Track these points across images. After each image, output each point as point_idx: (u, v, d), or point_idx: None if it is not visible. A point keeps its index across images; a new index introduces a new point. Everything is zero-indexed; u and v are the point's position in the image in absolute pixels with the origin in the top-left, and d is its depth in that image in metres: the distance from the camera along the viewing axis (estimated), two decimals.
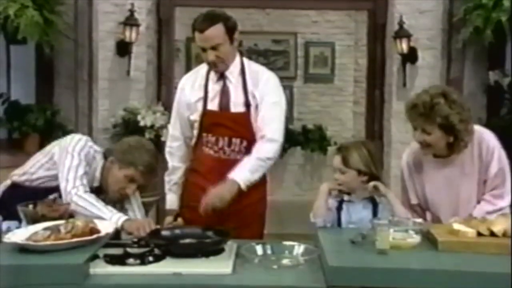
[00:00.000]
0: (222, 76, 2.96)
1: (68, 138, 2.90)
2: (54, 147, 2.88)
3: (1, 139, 5.40)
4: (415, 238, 2.36)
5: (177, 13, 5.89)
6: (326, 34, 8.08)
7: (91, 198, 2.71)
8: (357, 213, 2.69)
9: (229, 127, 2.93)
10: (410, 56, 5.41)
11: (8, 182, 2.93)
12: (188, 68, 6.69)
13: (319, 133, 7.94)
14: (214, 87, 2.96)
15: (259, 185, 3.02)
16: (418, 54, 5.41)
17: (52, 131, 5.25)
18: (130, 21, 5.24)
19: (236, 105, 2.94)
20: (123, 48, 5.29)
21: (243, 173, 2.75)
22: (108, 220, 2.58)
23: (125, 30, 5.23)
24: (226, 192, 2.70)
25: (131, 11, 5.27)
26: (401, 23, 5.40)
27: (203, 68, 3.01)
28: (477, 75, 5.47)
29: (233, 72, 2.96)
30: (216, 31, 2.84)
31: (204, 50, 2.87)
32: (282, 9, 7.57)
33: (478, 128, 2.75)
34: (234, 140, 2.94)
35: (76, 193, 2.69)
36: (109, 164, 2.85)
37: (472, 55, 5.44)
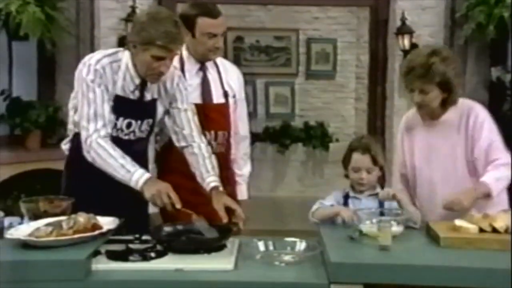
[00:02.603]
0: (201, 68, 2.98)
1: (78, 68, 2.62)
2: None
3: (2, 135, 5.40)
4: (397, 229, 2.37)
5: (179, 9, 5.87)
6: (328, 31, 8.05)
7: (110, 147, 2.50)
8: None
9: (214, 120, 2.94)
10: None
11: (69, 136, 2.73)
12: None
13: (321, 130, 7.93)
14: (193, 80, 2.95)
15: (230, 181, 3.04)
16: None
17: (54, 127, 5.26)
18: (132, 18, 5.23)
19: (218, 96, 3.00)
20: (125, 45, 5.27)
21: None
22: (129, 177, 2.45)
23: (127, 26, 5.22)
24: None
25: (133, 8, 5.27)
26: (403, 20, 5.40)
27: (173, 63, 2.98)
28: (479, 72, 5.46)
29: (211, 63, 3.01)
30: (223, 19, 2.91)
31: (213, 36, 2.87)
32: (284, 6, 7.57)
33: (468, 101, 2.79)
34: (219, 133, 2.96)
35: (90, 144, 2.51)
36: (132, 50, 2.58)
37: (474, 51, 5.43)
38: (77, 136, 2.64)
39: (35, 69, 5.58)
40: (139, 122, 2.66)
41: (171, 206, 2.43)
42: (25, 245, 2.17)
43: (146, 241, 2.34)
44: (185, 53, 2.97)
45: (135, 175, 2.45)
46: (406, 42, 5.37)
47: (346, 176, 2.76)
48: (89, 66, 2.56)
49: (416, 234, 2.48)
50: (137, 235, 2.38)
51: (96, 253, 2.19)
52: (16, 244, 2.19)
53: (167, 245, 2.28)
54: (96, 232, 2.25)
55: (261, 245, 2.32)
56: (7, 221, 2.42)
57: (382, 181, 2.85)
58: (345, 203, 2.71)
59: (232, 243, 2.36)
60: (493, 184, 2.56)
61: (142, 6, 5.30)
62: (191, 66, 2.97)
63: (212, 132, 2.93)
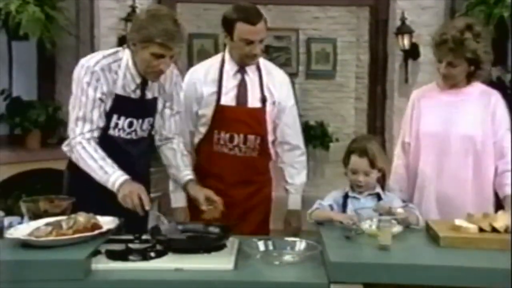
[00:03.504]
0: (239, 71, 2.94)
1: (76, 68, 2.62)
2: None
3: (2, 135, 5.40)
4: (396, 228, 2.38)
5: (179, 9, 5.88)
6: (328, 30, 8.05)
7: (92, 150, 2.53)
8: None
9: (245, 123, 2.91)
10: (412, 52, 5.41)
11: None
12: (190, 65, 6.68)
13: (321, 130, 7.93)
14: (230, 81, 2.93)
15: (266, 184, 3.04)
16: (420, 50, 5.40)
17: (53, 127, 5.26)
18: (131, 17, 5.23)
19: (254, 100, 2.94)
20: (125, 43, 5.27)
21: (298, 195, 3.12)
22: (106, 178, 2.48)
23: (127, 26, 5.22)
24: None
25: (133, 7, 5.27)
26: (403, 19, 5.40)
27: (214, 62, 2.98)
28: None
29: (251, 67, 2.96)
30: (263, 25, 2.85)
31: (250, 42, 2.83)
32: (284, 5, 7.56)
33: (489, 88, 2.91)
34: (249, 136, 2.92)
35: (74, 146, 2.56)
36: (132, 48, 2.58)
37: None
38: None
39: (35, 69, 5.58)
40: (140, 121, 2.67)
41: (141, 207, 2.44)
42: (24, 244, 2.17)
43: (146, 241, 2.33)
44: (227, 55, 2.96)
45: (112, 177, 2.48)
46: (406, 41, 5.37)
47: (346, 174, 2.76)
48: (87, 68, 2.57)
49: (415, 233, 2.48)
50: (136, 235, 2.38)
51: (96, 252, 2.19)
52: (16, 243, 2.19)
53: (167, 244, 2.28)
54: (96, 232, 2.25)
55: (261, 245, 2.32)
56: (7, 220, 2.42)
57: (382, 182, 2.84)
58: (344, 203, 2.71)
59: (232, 242, 2.35)
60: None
61: (142, 6, 5.29)
62: (230, 68, 2.94)
63: (242, 135, 2.91)
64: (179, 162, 2.77)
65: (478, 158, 2.78)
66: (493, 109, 2.81)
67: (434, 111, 2.85)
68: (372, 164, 2.68)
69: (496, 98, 2.85)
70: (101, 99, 2.58)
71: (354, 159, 2.70)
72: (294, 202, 3.11)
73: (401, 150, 3.00)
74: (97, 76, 2.56)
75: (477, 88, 2.86)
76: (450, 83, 2.83)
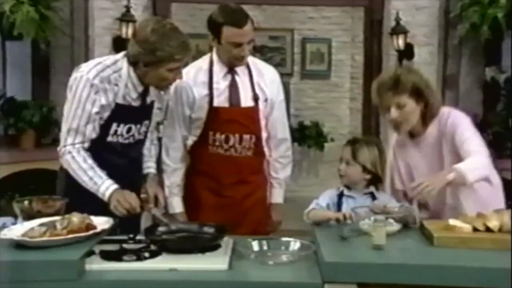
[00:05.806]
0: (229, 72, 2.94)
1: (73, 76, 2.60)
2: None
3: None
4: (394, 226, 2.39)
5: (174, 9, 5.89)
6: (323, 31, 8.07)
7: (81, 160, 2.55)
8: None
9: (240, 123, 2.91)
10: (407, 53, 5.42)
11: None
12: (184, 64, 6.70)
13: (316, 130, 7.94)
14: (221, 83, 2.92)
15: (262, 185, 3.04)
16: (415, 51, 5.41)
17: (48, 127, 5.25)
18: (126, 17, 5.24)
19: (246, 100, 2.94)
20: (119, 44, 5.25)
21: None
22: (96, 189, 2.51)
23: (122, 26, 5.22)
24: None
25: (127, 7, 5.26)
26: (397, 20, 5.41)
27: (203, 64, 2.97)
28: (474, 72, 5.48)
29: (241, 67, 2.95)
30: (251, 26, 2.84)
31: (238, 45, 2.82)
32: (279, 6, 7.58)
33: (447, 109, 2.78)
34: (244, 136, 2.92)
35: (63, 154, 2.58)
36: (143, 69, 2.55)
37: (469, 51, 5.45)
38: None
39: (29, 69, 5.57)
40: (138, 126, 2.68)
41: (134, 210, 2.49)
42: (18, 245, 2.16)
43: (140, 241, 2.33)
44: (214, 56, 2.95)
45: (102, 188, 2.52)
46: (400, 42, 5.39)
47: None
48: (86, 81, 2.54)
49: (410, 233, 2.48)
50: (131, 235, 2.38)
51: (90, 253, 2.19)
52: (10, 244, 2.18)
53: (161, 245, 2.28)
54: (90, 232, 2.24)
55: (255, 245, 2.32)
56: (0, 221, 2.41)
57: (377, 182, 2.81)
58: (339, 202, 2.71)
59: (226, 242, 2.35)
60: (466, 168, 2.50)
61: (136, 6, 5.31)
62: (220, 69, 2.93)
63: (237, 135, 2.90)
64: (145, 151, 2.80)
65: (472, 188, 2.64)
66: (451, 133, 2.66)
67: (411, 164, 2.77)
68: (354, 155, 2.70)
69: (451, 120, 2.69)
70: (97, 112, 2.57)
71: (344, 147, 2.77)
72: (277, 196, 3.16)
73: (395, 197, 2.81)
74: (96, 89, 2.54)
75: (435, 127, 2.72)
76: (406, 128, 2.71)
